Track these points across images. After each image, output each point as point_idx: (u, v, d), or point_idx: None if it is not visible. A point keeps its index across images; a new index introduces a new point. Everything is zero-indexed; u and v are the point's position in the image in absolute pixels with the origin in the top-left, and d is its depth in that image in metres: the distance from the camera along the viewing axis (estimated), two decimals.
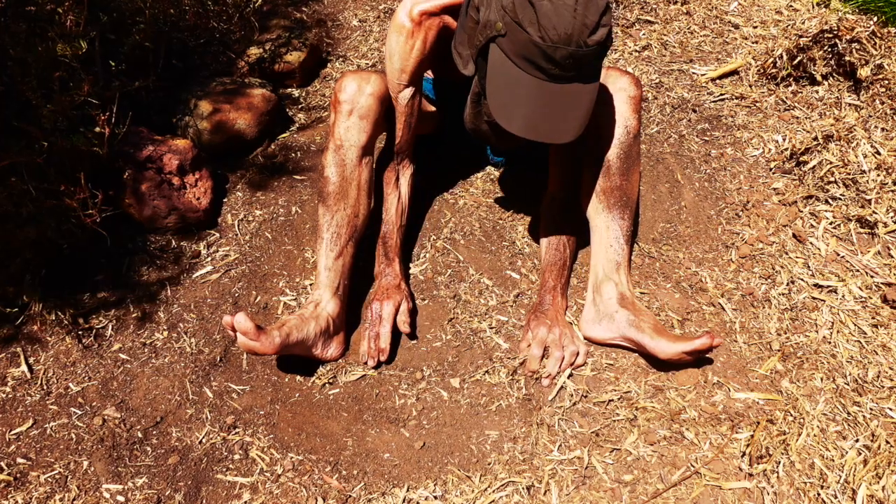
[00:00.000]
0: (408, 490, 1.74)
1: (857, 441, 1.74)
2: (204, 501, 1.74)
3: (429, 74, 2.31)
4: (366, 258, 2.16)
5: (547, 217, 2.14)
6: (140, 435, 1.86)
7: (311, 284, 2.16)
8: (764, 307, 2.05)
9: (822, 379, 1.88)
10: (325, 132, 2.63)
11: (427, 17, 1.85)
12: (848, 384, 1.86)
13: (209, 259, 2.24)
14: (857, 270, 2.10)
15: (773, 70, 2.70)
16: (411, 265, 2.22)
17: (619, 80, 2.00)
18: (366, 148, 2.03)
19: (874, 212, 2.18)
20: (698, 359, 1.92)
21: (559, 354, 1.93)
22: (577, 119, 1.70)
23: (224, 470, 1.79)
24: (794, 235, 2.20)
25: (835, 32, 2.57)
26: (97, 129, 2.10)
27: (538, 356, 1.94)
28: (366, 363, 1.97)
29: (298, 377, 1.97)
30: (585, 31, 1.56)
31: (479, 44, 1.72)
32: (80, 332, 2.05)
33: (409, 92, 1.98)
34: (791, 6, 3.01)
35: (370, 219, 2.11)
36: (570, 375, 1.93)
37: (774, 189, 2.35)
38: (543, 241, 2.13)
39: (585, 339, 2.01)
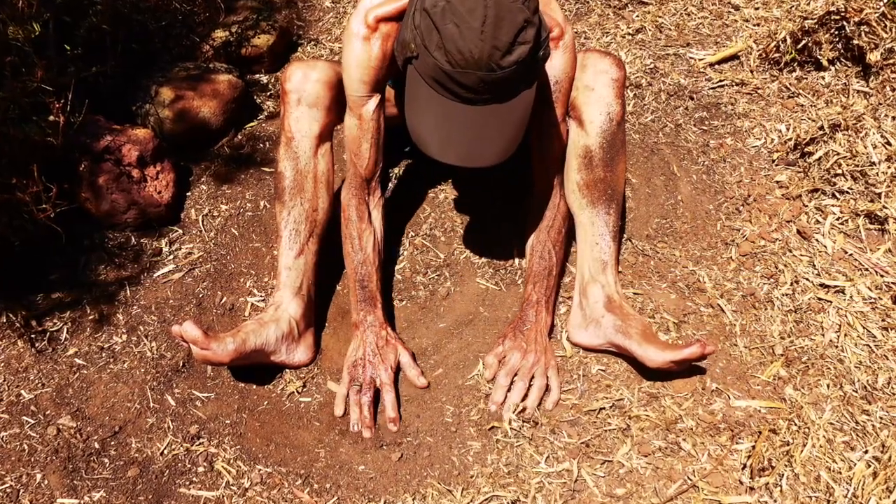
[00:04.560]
0: None
1: (865, 452, 1.74)
2: None
3: None
4: (333, 255, 2.14)
5: (531, 220, 2.09)
6: (97, 446, 1.85)
7: None
8: (766, 309, 2.05)
9: (828, 385, 1.88)
10: None
11: (384, 22, 1.82)
12: (856, 391, 1.86)
13: (171, 257, 2.23)
14: (866, 269, 2.10)
15: (776, 55, 2.70)
16: (388, 263, 2.21)
17: (599, 62, 1.97)
18: (320, 137, 2.01)
19: (884, 206, 2.18)
20: (690, 367, 1.91)
21: (522, 386, 1.89)
22: (499, 142, 1.68)
23: (187, 483, 1.78)
24: (798, 232, 2.20)
25: (842, 14, 2.57)
26: (51, 118, 2.09)
27: (505, 387, 1.90)
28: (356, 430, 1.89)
29: (267, 384, 1.96)
30: (496, 53, 1.53)
31: (399, 62, 1.72)
32: (32, 336, 2.04)
33: (372, 104, 1.92)
34: None
35: (332, 213, 2.08)
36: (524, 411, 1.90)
37: (777, 182, 2.35)
38: (528, 246, 2.08)
39: (573, 344, 2.00)
